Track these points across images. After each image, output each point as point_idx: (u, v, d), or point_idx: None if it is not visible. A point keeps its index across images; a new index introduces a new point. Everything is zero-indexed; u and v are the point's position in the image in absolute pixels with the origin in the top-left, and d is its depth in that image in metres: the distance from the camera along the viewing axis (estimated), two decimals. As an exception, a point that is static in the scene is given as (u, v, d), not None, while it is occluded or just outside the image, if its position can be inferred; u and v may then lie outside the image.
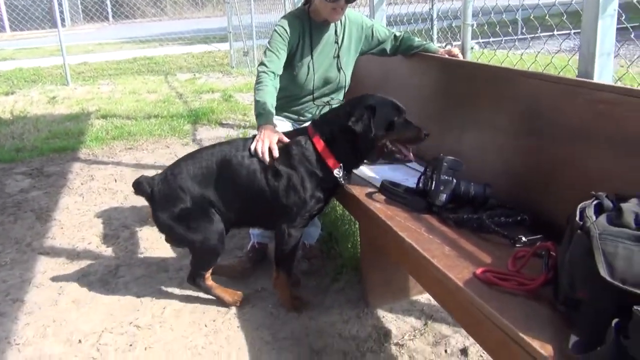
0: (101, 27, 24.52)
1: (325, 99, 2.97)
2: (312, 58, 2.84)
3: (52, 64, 11.17)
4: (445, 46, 3.15)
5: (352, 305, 2.57)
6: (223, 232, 2.44)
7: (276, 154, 2.34)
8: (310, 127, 2.43)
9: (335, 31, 2.88)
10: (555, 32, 2.74)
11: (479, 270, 1.61)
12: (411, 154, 2.37)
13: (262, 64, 2.71)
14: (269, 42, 2.80)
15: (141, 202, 3.86)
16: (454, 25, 3.59)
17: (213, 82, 8.92)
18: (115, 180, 4.39)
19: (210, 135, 5.69)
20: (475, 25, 2.97)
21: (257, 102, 2.55)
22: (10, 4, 23.24)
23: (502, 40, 3.71)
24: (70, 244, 3.32)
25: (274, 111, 2.55)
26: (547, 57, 2.83)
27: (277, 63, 2.71)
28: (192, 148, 5.16)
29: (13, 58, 13.63)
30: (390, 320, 2.46)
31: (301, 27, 2.83)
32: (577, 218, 1.38)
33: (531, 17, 3.21)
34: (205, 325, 2.47)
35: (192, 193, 2.40)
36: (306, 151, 2.36)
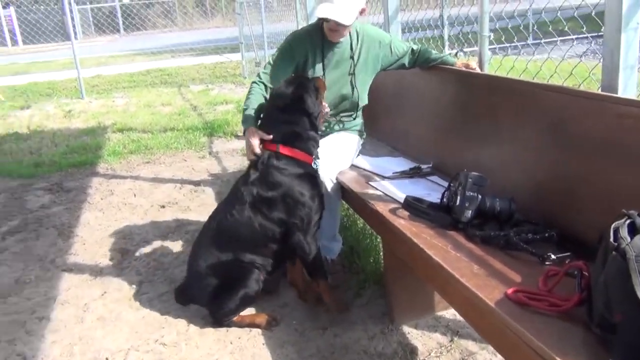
0: (112, 39, 24.76)
1: (338, 117, 2.99)
2: (324, 74, 2.86)
3: (66, 77, 11.30)
4: (457, 54, 3.14)
5: (376, 321, 2.56)
6: (259, 277, 2.55)
7: (258, 151, 2.51)
8: (268, 144, 2.54)
9: (351, 47, 2.88)
10: (573, 37, 2.74)
11: (509, 290, 1.60)
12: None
13: (258, 74, 2.85)
14: (272, 57, 2.90)
15: (161, 216, 3.91)
16: (466, 31, 3.59)
17: (226, 93, 8.98)
18: (135, 195, 4.43)
19: (226, 147, 5.72)
20: (492, 36, 2.97)
21: (243, 110, 2.72)
22: (23, 17, 23.57)
23: (517, 45, 3.70)
24: (92, 260, 3.35)
25: (255, 115, 2.67)
26: (566, 64, 2.81)
27: (273, 78, 2.80)
28: (208, 161, 5.21)
29: (27, 72, 13.79)
30: (416, 336, 2.45)
31: (310, 43, 2.84)
32: (612, 239, 1.37)
33: (548, 24, 3.22)
34: (231, 343, 2.48)
35: (217, 268, 2.53)
36: (281, 164, 2.49)
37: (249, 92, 2.78)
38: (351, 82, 2.90)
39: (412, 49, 2.96)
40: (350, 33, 2.84)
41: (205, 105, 7.93)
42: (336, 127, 3.03)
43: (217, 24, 25.14)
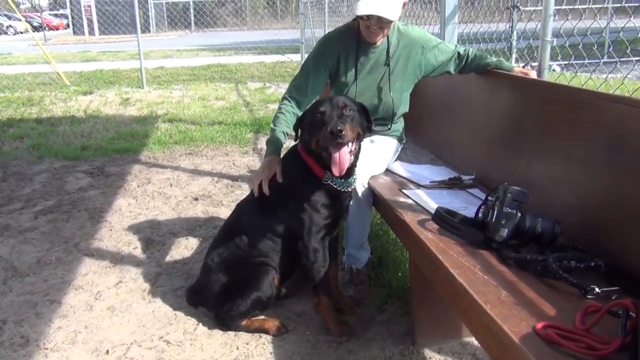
0: (183, 34, 25.39)
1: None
2: (356, 80, 2.64)
3: (131, 67, 11.56)
4: (524, 67, 2.89)
5: (396, 341, 2.34)
6: (274, 280, 2.39)
7: (265, 190, 2.32)
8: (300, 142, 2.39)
9: (388, 51, 2.64)
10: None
11: (539, 325, 1.36)
12: (336, 167, 2.12)
13: (288, 88, 2.65)
14: (304, 62, 2.71)
15: (192, 209, 3.82)
16: (532, 45, 3.32)
17: (282, 92, 8.80)
18: (171, 185, 4.35)
19: (271, 145, 5.59)
20: (554, 42, 2.70)
21: (270, 129, 2.53)
22: (101, 9, 24.65)
23: (585, 62, 3.39)
24: (115, 247, 3.27)
25: (284, 139, 2.50)
26: (636, 82, 2.51)
27: (303, 89, 2.61)
28: (250, 157, 5.10)
29: (96, 60, 14.25)
30: (437, 362, 2.22)
31: (343, 45, 2.63)
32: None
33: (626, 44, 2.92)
34: (237, 348, 2.32)
35: (230, 263, 2.41)
36: (296, 166, 2.33)
37: (279, 109, 2.58)
38: (385, 90, 2.67)
39: (459, 53, 2.70)
40: (388, 36, 2.59)
41: (259, 102, 7.86)
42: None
43: (286, 25, 25.31)
